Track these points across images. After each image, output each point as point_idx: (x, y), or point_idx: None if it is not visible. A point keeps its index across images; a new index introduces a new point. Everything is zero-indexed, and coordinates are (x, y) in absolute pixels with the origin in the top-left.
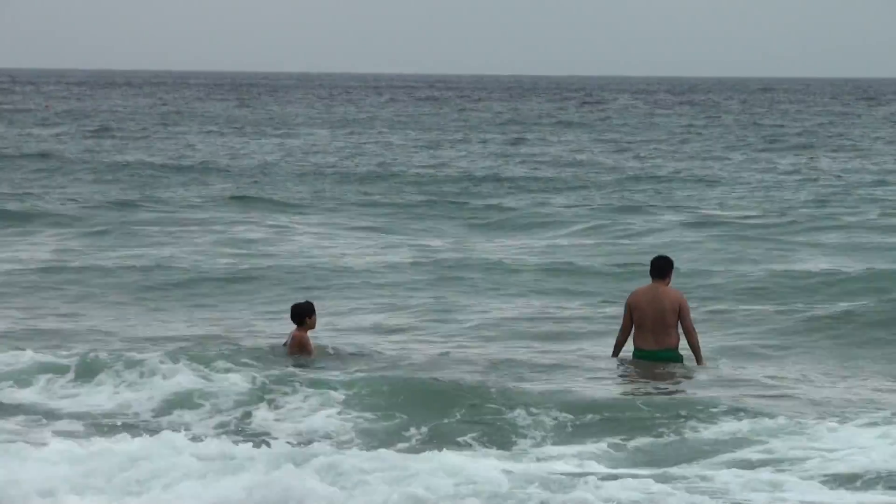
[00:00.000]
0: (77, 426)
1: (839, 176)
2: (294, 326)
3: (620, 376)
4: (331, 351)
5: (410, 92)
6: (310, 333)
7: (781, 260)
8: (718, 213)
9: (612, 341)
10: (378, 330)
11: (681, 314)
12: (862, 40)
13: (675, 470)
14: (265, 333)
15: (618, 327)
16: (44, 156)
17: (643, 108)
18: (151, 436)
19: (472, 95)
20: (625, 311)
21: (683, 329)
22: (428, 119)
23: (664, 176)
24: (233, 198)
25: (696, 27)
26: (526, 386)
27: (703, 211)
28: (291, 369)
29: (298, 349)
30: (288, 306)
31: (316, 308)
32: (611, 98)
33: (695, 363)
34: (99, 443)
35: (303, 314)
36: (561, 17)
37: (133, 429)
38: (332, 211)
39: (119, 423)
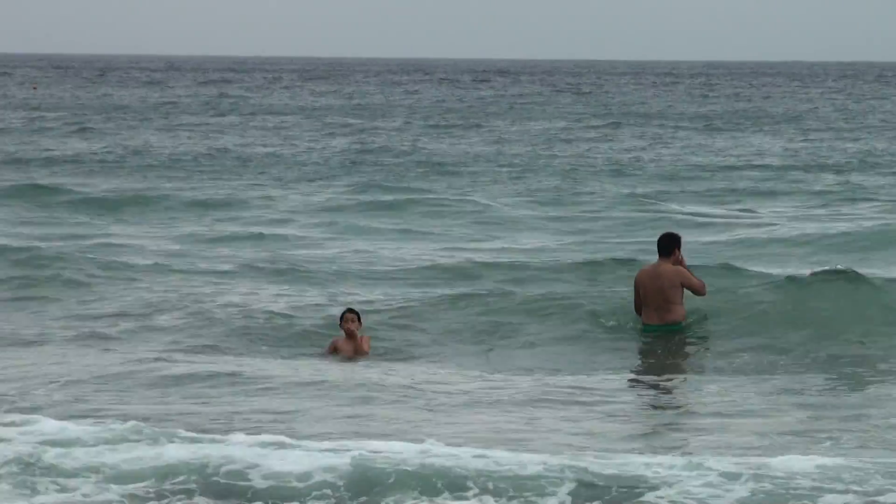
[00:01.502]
0: None
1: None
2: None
3: None
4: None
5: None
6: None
7: None
8: None
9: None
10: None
11: (684, 285)
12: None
13: None
14: None
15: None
16: None
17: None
18: None
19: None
20: (634, 289)
21: (693, 292)
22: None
23: None
24: None
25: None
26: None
27: None
28: None
29: (333, 352)
30: None
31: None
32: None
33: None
34: None
35: (339, 319)
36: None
37: None
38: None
39: None
